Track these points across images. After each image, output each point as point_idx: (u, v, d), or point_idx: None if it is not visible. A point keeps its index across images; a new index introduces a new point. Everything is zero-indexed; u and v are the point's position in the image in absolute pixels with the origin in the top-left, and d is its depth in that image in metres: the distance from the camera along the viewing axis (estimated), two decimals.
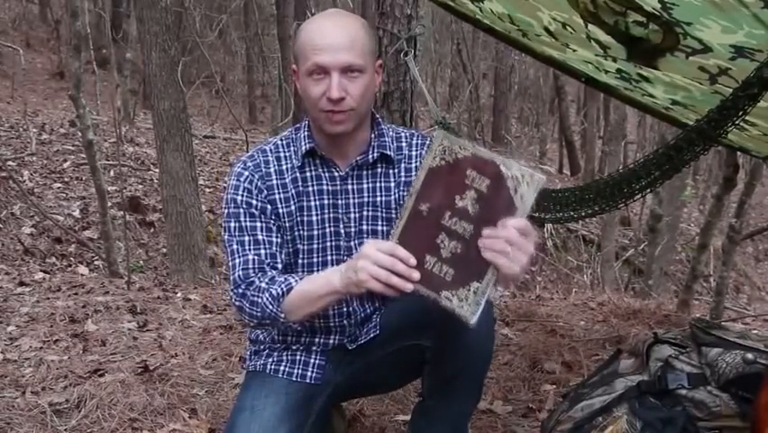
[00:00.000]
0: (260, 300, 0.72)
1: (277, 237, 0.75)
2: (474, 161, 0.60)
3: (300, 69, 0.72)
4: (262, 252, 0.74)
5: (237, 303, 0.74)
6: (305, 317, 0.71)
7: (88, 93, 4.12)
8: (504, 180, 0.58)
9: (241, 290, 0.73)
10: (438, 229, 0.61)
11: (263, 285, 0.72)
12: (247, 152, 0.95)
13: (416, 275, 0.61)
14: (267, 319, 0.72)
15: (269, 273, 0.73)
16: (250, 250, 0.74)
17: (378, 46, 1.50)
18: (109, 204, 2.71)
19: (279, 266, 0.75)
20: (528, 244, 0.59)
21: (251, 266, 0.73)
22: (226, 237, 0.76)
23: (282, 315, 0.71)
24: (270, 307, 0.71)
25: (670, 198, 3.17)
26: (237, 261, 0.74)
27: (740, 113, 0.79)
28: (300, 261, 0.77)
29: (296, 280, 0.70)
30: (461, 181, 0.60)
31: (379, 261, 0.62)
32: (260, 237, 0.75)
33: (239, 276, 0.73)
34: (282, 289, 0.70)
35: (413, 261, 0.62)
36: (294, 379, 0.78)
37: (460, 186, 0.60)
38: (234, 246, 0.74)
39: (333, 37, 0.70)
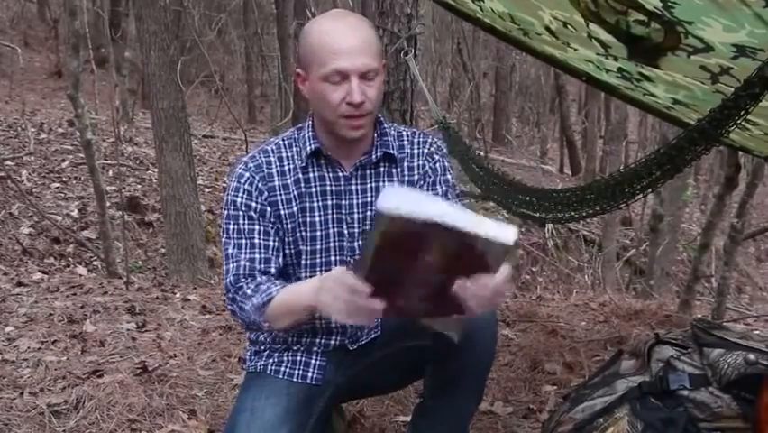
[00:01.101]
0: (246, 307, 0.72)
1: (274, 241, 0.75)
2: (435, 230, 0.52)
3: (313, 74, 0.71)
4: (257, 256, 0.74)
5: (230, 307, 0.75)
6: (290, 327, 0.72)
7: (87, 92, 4.07)
8: (473, 245, 0.53)
9: (231, 295, 0.74)
10: (406, 280, 0.57)
11: (249, 292, 0.72)
12: (246, 151, 0.95)
13: (379, 307, 0.57)
14: (254, 326, 0.73)
15: (258, 279, 0.73)
16: (245, 253, 0.74)
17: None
18: (108, 204, 2.70)
19: (273, 269, 0.75)
20: (503, 296, 0.60)
21: (241, 272, 0.74)
22: (224, 239, 0.76)
23: (266, 324, 0.72)
24: (255, 315, 0.72)
25: (671, 198, 3.14)
26: (230, 265, 0.74)
27: (742, 112, 0.79)
28: (303, 261, 0.77)
29: (277, 290, 0.70)
30: (424, 246, 0.54)
31: (340, 297, 0.60)
32: (256, 241, 0.75)
33: (230, 281, 0.74)
34: (263, 298, 0.71)
35: (379, 305, 0.58)
36: (294, 380, 0.78)
37: (423, 249, 0.54)
38: (230, 250, 0.75)
39: (350, 40, 0.69)
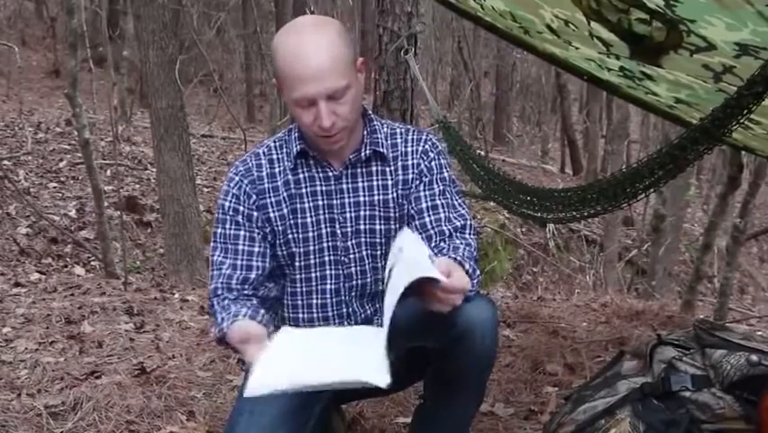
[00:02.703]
0: (214, 331, 0.74)
1: (260, 246, 0.76)
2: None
3: (285, 93, 0.72)
4: (239, 262, 0.76)
5: (211, 317, 0.77)
6: None
7: (85, 91, 4.03)
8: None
9: (210, 306, 0.76)
10: None
11: (217, 316, 0.73)
12: (245, 151, 0.95)
13: None
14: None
15: (233, 295, 0.74)
16: (228, 260, 0.76)
17: (378, 44, 1.48)
18: (106, 204, 2.69)
19: (253, 276, 0.76)
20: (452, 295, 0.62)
21: (221, 282, 0.75)
22: (213, 243, 0.77)
23: (233, 350, 0.74)
24: (218, 342, 0.74)
25: (673, 198, 3.13)
26: (214, 273, 0.76)
27: (745, 111, 0.78)
28: (297, 263, 0.77)
29: (228, 325, 0.71)
30: None
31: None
32: (240, 247, 0.76)
33: (211, 290, 0.76)
34: (218, 333, 0.73)
35: None
36: None
37: None
38: (216, 256, 0.76)
39: (314, 63, 0.68)
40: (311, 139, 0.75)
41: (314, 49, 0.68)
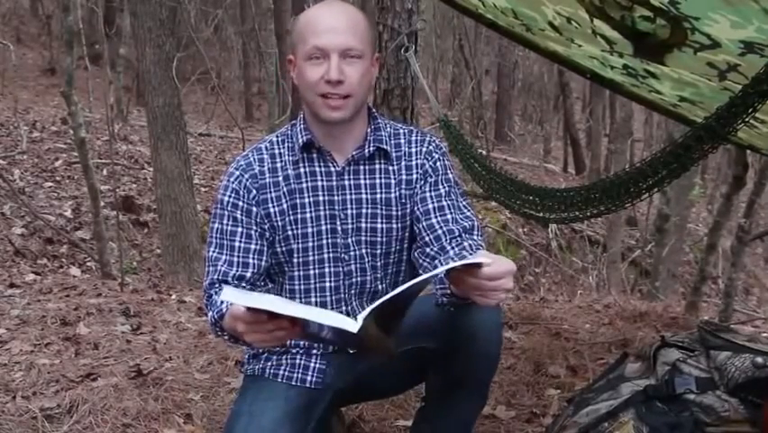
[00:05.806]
0: (209, 317, 0.73)
1: (257, 244, 0.75)
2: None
3: (298, 54, 0.72)
4: (234, 259, 0.75)
5: (206, 311, 0.76)
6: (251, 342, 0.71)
7: (81, 90, 4.02)
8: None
9: (205, 299, 0.75)
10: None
11: (217, 301, 0.72)
12: (243, 150, 0.94)
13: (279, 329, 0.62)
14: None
15: (229, 287, 0.74)
16: (225, 256, 0.75)
17: (378, 41, 1.47)
18: (102, 203, 2.66)
19: (249, 273, 0.75)
20: (502, 284, 0.60)
21: (215, 277, 0.74)
22: (209, 238, 0.77)
23: (225, 336, 0.73)
24: (213, 327, 0.73)
25: (677, 198, 3.07)
26: (209, 269, 0.75)
27: (750, 110, 0.77)
28: (296, 260, 0.76)
29: (227, 307, 0.70)
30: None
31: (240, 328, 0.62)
32: (236, 244, 0.75)
33: (206, 285, 0.75)
34: (215, 316, 0.72)
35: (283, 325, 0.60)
36: (293, 383, 0.77)
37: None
38: (211, 252, 0.75)
39: (333, 20, 0.71)
40: (316, 125, 0.74)
41: (336, 11, 0.72)
